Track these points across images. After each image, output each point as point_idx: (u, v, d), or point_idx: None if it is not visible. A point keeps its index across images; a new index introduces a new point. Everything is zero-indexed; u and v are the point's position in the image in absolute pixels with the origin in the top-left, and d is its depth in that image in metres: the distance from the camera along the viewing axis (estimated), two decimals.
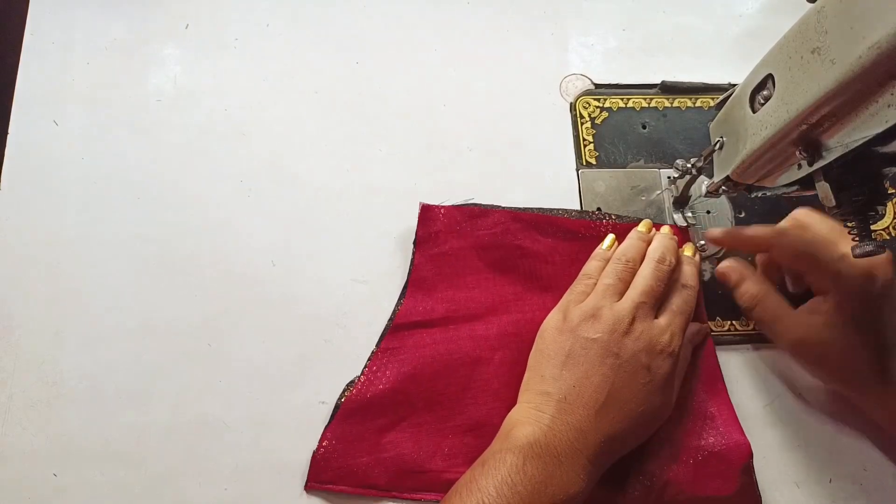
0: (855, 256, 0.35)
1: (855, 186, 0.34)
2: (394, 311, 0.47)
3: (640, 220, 0.49)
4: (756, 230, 0.46)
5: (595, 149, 0.53)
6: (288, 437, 0.44)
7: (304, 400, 0.45)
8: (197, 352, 0.45)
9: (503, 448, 0.38)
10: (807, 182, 0.37)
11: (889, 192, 0.35)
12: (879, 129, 0.30)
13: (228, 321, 0.46)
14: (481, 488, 0.35)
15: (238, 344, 0.46)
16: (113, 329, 0.46)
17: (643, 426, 0.41)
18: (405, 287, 0.48)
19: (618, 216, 0.50)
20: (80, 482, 0.42)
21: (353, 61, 0.54)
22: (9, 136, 0.50)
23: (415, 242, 0.48)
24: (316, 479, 0.43)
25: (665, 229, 0.48)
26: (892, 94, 0.28)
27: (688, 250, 0.47)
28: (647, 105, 0.54)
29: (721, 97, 0.43)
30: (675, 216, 0.49)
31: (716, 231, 0.48)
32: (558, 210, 0.50)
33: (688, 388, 0.46)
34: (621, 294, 0.42)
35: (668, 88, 0.54)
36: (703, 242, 0.49)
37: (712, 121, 0.44)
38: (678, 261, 0.45)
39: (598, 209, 0.51)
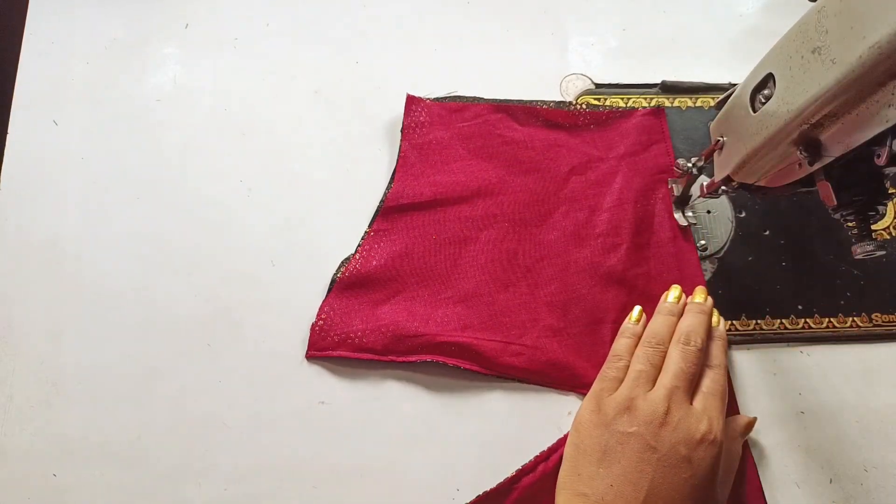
0: (855, 256, 0.35)
1: (855, 186, 0.34)
2: (383, 196, 0.49)
3: (617, 110, 0.51)
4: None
5: None
6: (288, 437, 0.44)
7: (304, 400, 0.45)
8: (197, 352, 0.45)
9: None
10: (807, 182, 0.37)
11: (889, 191, 0.35)
12: (879, 129, 0.30)
13: (228, 321, 0.46)
14: None
15: (238, 344, 0.46)
16: (113, 329, 0.46)
17: None
18: (393, 173, 0.50)
19: (593, 106, 0.52)
20: (80, 482, 0.42)
21: (353, 61, 0.54)
22: (9, 136, 0.50)
23: (402, 132, 0.51)
24: (315, 348, 0.45)
25: (696, 298, 0.45)
26: (892, 94, 0.28)
27: (713, 320, 0.44)
28: (647, 105, 0.53)
29: (721, 97, 0.43)
30: (676, 216, 0.49)
31: None
32: (536, 101, 0.52)
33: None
34: (654, 380, 0.40)
35: (668, 88, 0.54)
36: (703, 242, 0.49)
37: (712, 121, 0.44)
38: (709, 337, 0.43)
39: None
